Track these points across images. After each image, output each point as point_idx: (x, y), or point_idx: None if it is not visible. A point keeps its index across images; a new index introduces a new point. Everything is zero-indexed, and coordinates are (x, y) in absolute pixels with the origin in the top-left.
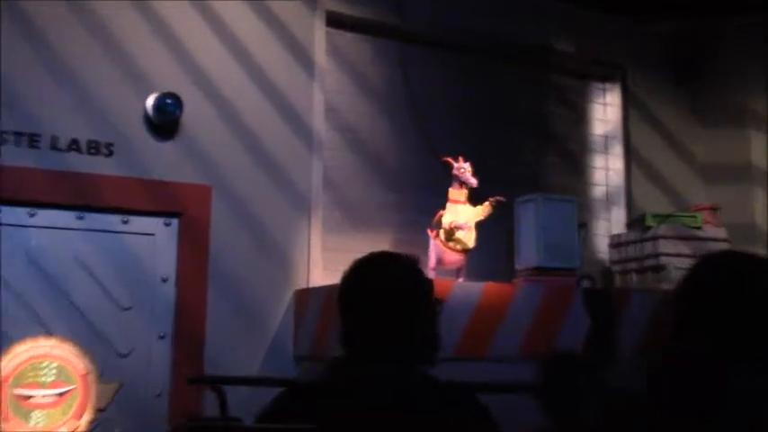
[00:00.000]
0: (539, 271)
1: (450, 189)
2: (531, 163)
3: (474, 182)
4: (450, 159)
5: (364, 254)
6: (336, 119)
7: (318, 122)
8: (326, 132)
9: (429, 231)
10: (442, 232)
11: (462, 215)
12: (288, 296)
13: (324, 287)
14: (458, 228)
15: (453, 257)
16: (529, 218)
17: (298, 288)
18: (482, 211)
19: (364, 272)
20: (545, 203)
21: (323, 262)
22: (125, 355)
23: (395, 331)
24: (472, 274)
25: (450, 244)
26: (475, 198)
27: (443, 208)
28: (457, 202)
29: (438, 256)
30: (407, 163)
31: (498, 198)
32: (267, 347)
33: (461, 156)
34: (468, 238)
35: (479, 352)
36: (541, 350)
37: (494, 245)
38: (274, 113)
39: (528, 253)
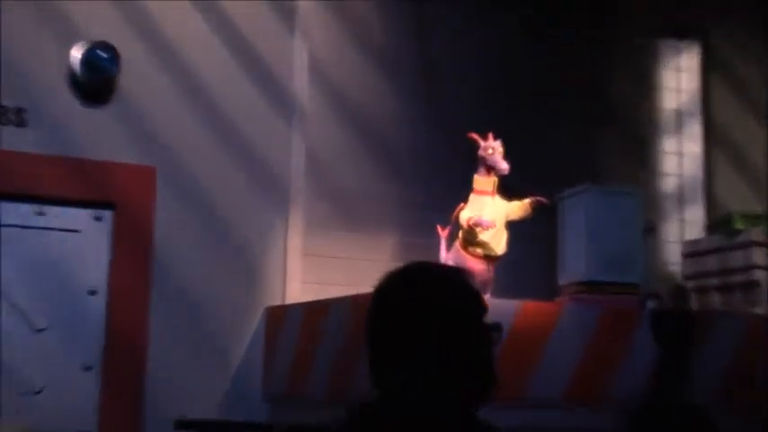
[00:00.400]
0: (590, 287)
1: (475, 176)
2: (581, 147)
3: (505, 167)
4: (476, 136)
5: (381, 265)
6: (324, 82)
7: (300, 86)
8: (311, 100)
9: (440, 230)
10: (460, 232)
11: (488, 210)
12: (256, 315)
13: (304, 304)
14: (478, 225)
15: (475, 266)
16: (577, 217)
17: (270, 305)
18: (518, 209)
19: (400, 290)
20: (598, 198)
21: (303, 271)
22: (38, 392)
23: (440, 366)
24: (502, 290)
25: (471, 249)
26: (508, 192)
27: (465, 201)
28: (482, 193)
29: (454, 263)
30: (417, 142)
31: (540, 199)
32: (229, 382)
33: (490, 133)
34: (497, 241)
35: (511, 394)
36: (594, 393)
37: (531, 252)
38: (242, 73)
39: (575, 263)
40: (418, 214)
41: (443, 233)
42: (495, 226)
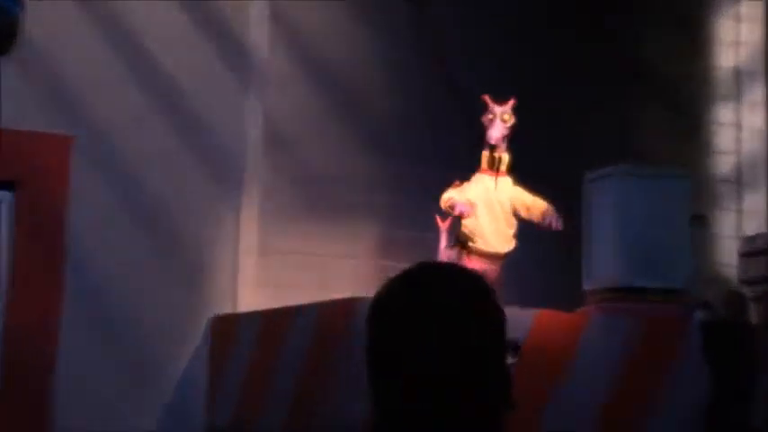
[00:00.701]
0: (623, 294)
1: (484, 152)
2: (613, 117)
3: (494, 134)
4: (488, 98)
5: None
6: (288, 35)
7: (258, 40)
8: (271, 58)
9: (439, 221)
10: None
11: (479, 192)
12: (199, 325)
13: (260, 313)
14: (452, 208)
15: (474, 266)
16: (607, 205)
17: (216, 313)
18: (529, 204)
19: (404, 297)
20: (634, 181)
21: (258, 272)
22: None
23: (451, 388)
24: (511, 297)
25: (468, 244)
26: (529, 177)
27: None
28: (483, 171)
29: (450, 260)
30: (407, 112)
31: (555, 220)
32: (161, 409)
33: (513, 98)
34: (500, 234)
35: (523, 428)
36: (631, 428)
37: (547, 249)
38: (185, 22)
39: (604, 264)
40: (405, 202)
41: (443, 225)
42: (471, 212)
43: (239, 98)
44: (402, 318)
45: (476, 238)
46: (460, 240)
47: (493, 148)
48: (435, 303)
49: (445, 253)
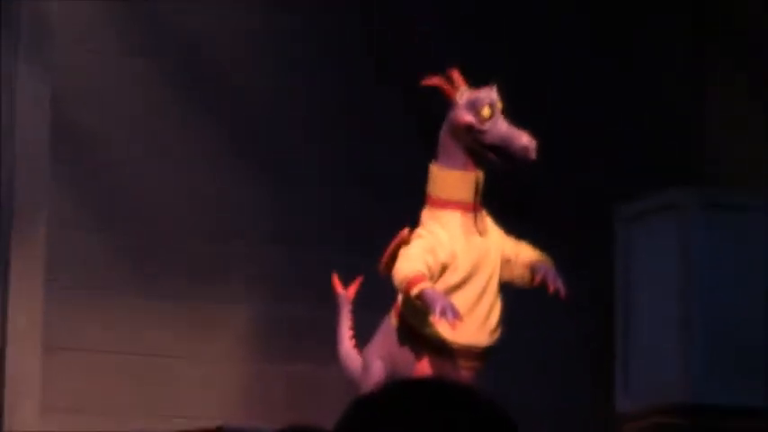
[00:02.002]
0: (694, 418)
1: (433, 166)
2: (668, 111)
3: (524, 143)
4: (440, 80)
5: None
6: None
7: None
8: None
9: (337, 285)
10: (399, 297)
11: (449, 246)
12: None
13: None
14: (443, 315)
15: (432, 370)
16: (660, 261)
17: None
18: (519, 258)
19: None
20: (710, 218)
21: (45, 384)
22: None
23: None
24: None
25: (422, 331)
26: (512, 219)
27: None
28: (448, 206)
29: (386, 364)
30: (292, 99)
31: (546, 273)
32: None
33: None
34: (478, 316)
35: None
36: None
37: (553, 343)
38: None
39: (658, 366)
40: (287, 249)
41: (346, 293)
42: (461, 319)
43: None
44: None
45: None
46: (404, 326)
47: (481, 164)
48: None
49: (351, 350)
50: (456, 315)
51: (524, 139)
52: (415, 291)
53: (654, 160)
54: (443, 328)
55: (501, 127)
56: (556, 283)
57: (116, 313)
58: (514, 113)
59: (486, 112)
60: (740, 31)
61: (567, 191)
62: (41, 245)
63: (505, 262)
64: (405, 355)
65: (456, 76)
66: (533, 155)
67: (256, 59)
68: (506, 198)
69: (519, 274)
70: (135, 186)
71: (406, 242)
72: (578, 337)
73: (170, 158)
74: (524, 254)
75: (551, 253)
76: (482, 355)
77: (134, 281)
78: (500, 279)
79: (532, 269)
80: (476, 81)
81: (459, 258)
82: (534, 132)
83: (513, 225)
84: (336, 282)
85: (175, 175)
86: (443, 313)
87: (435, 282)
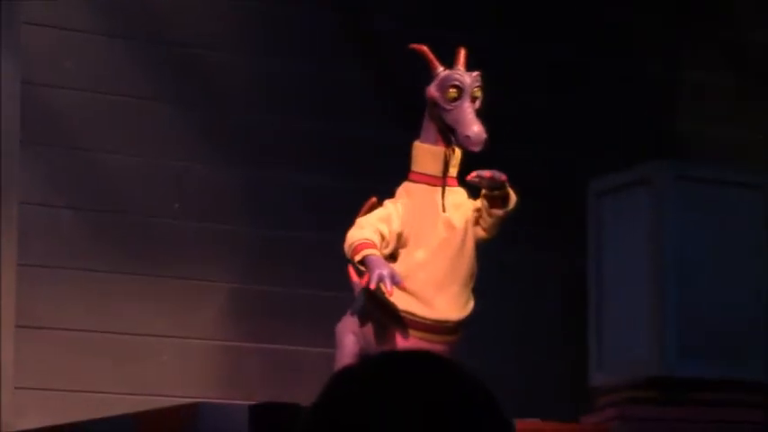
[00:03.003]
0: (667, 392)
1: (416, 143)
2: (640, 80)
3: (468, 123)
4: (424, 48)
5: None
6: None
7: None
8: None
9: (353, 275)
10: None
11: (409, 217)
12: None
13: None
14: (381, 281)
15: (405, 343)
16: (634, 236)
17: None
18: (482, 212)
19: (367, 417)
20: (686, 192)
21: (17, 361)
22: None
23: None
24: None
25: (390, 306)
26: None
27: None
28: (423, 179)
29: (361, 341)
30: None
31: (486, 175)
32: None
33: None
34: (449, 290)
35: None
36: None
37: (526, 315)
38: None
39: (631, 339)
40: (265, 227)
41: (361, 282)
42: (403, 287)
43: None
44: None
45: (406, 295)
46: (375, 300)
47: (450, 142)
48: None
49: (349, 322)
50: (395, 282)
51: (474, 129)
52: (357, 257)
53: (627, 135)
54: (410, 302)
55: (460, 113)
56: (493, 175)
57: (92, 291)
58: (489, 94)
59: (452, 92)
60: (712, 3)
61: (539, 166)
62: (14, 222)
63: (477, 219)
64: (375, 329)
65: (459, 55)
66: (475, 148)
67: (228, 40)
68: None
69: (486, 216)
70: (107, 165)
71: (372, 211)
72: (552, 311)
73: (143, 136)
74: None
75: (524, 229)
76: (455, 330)
77: (108, 258)
78: (480, 239)
79: (476, 180)
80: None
81: (422, 232)
82: (506, 109)
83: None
84: (352, 272)
85: (148, 153)
86: (380, 280)
87: (391, 251)
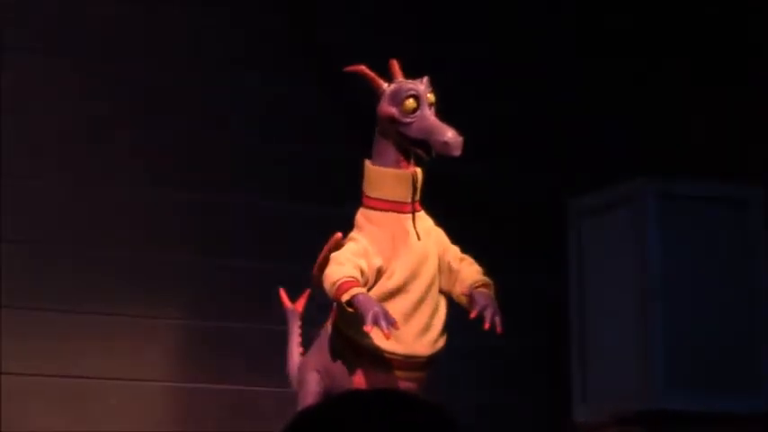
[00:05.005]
0: (657, 427)
1: (367, 162)
2: (621, 93)
3: (450, 138)
4: (364, 68)
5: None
6: None
7: None
8: None
9: (284, 298)
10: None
11: (387, 251)
12: None
13: None
14: (375, 323)
15: (370, 381)
16: (619, 257)
17: None
18: (458, 272)
19: None
20: (672, 208)
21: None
22: None
23: None
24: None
25: (359, 342)
26: (453, 213)
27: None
28: (383, 206)
29: (323, 370)
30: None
31: (488, 311)
32: None
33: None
34: (417, 324)
35: None
36: None
37: (502, 349)
38: None
39: (617, 371)
40: (216, 259)
41: (295, 307)
42: (397, 327)
43: None
44: None
45: (375, 330)
46: (341, 337)
47: (411, 160)
48: None
49: (300, 360)
50: (390, 323)
51: (448, 134)
52: (345, 297)
53: (607, 153)
54: (378, 337)
55: (425, 121)
56: (492, 320)
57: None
58: (460, 108)
59: (409, 103)
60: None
61: (517, 187)
62: None
63: (447, 271)
64: (341, 367)
65: (393, 67)
66: (456, 152)
67: (183, 56)
68: (455, 195)
69: (457, 293)
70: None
71: (339, 247)
72: (532, 341)
73: (93, 162)
74: (466, 273)
75: (501, 254)
76: (424, 366)
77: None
78: (440, 287)
79: (471, 299)
80: (415, 77)
81: (396, 263)
82: (483, 127)
83: (463, 223)
84: (284, 296)
85: (98, 181)
86: (376, 321)
87: (370, 287)
